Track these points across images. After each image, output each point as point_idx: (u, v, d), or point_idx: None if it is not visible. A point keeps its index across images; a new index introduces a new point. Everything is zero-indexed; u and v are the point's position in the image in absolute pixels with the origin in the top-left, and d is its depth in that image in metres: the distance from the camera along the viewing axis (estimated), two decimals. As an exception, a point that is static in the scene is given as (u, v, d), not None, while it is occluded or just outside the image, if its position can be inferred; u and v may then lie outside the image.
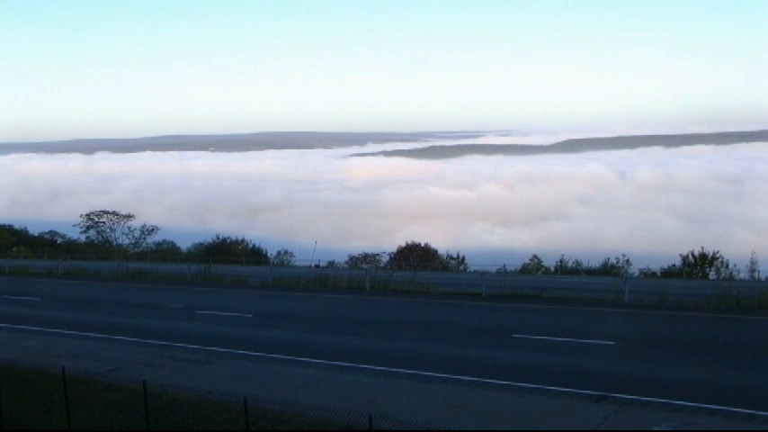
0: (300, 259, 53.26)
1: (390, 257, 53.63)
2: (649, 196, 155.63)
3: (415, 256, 51.60)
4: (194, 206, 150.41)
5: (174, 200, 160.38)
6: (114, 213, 70.97)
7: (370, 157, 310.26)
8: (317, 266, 47.38)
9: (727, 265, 41.13)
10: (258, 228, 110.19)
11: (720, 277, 39.65)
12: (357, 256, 54.46)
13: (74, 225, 71.67)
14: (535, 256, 50.60)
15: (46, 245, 68.86)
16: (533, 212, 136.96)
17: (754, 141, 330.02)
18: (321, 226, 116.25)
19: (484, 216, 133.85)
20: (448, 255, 54.29)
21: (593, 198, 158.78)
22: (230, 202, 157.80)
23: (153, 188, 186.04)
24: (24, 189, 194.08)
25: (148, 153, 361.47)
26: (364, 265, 48.37)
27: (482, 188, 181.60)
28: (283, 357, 20.69)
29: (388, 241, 60.81)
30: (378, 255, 54.61)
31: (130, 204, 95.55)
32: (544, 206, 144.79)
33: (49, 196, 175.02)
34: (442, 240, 71.58)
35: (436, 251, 55.15)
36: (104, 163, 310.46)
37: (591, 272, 43.98)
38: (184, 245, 65.99)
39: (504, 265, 43.33)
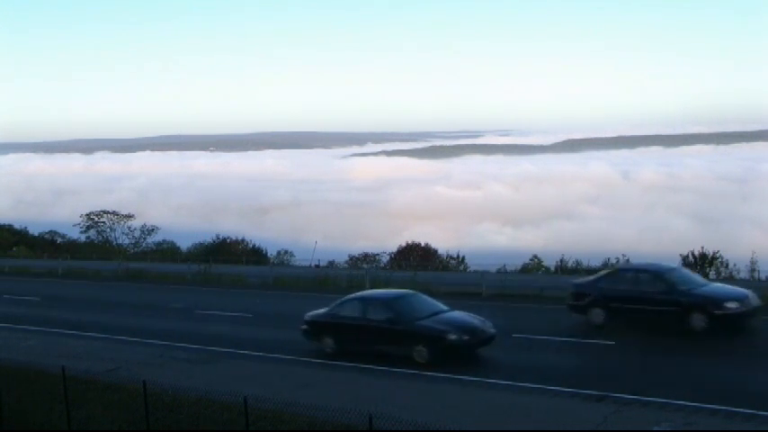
0: (301, 259, 53.11)
1: (390, 257, 53.52)
2: (654, 195, 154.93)
3: (415, 256, 51.46)
4: (200, 206, 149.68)
5: (179, 200, 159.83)
6: (114, 213, 70.88)
7: (372, 157, 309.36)
8: (317, 266, 47.31)
9: (727, 265, 40.92)
10: (266, 228, 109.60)
11: (720, 277, 39.50)
12: (357, 255, 54.29)
13: (74, 225, 71.50)
14: (535, 256, 50.34)
15: (46, 245, 68.68)
16: (540, 212, 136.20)
17: (754, 141, 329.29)
18: (329, 226, 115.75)
19: (490, 215, 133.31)
20: (448, 254, 54.13)
21: (599, 197, 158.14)
22: (236, 203, 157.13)
23: (156, 188, 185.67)
24: (24, 189, 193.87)
25: (148, 153, 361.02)
26: (364, 265, 48.26)
27: (487, 187, 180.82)
28: (283, 357, 20.70)
29: (394, 241, 60.24)
30: (378, 255, 54.46)
31: (134, 204, 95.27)
32: (550, 206, 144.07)
33: (49, 196, 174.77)
34: (449, 240, 71.21)
35: (436, 251, 54.98)
36: (105, 163, 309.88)
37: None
38: (185, 245, 65.79)
39: (505, 265, 43.14)
